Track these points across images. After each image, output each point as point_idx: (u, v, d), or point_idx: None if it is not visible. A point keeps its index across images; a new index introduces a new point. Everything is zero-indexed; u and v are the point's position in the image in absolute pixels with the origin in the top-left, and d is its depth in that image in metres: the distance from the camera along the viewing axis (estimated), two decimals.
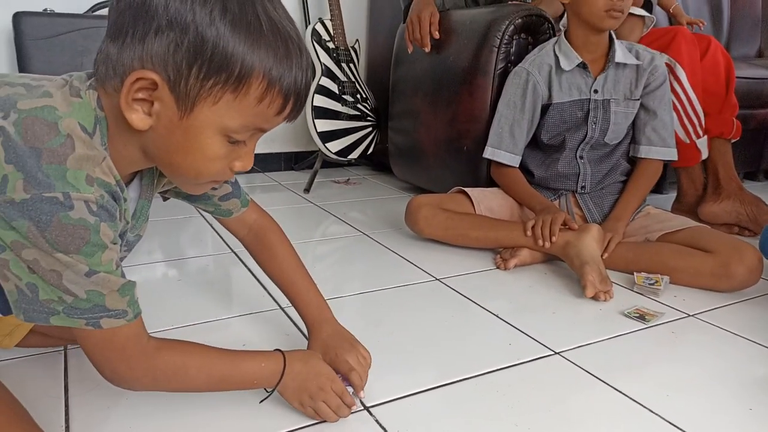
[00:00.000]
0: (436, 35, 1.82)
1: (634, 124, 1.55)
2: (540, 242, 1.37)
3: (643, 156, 1.54)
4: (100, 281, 0.57)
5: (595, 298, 1.22)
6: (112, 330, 0.60)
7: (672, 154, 1.54)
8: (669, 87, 1.53)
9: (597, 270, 1.25)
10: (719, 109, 1.86)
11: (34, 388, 0.82)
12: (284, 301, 1.17)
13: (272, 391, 0.76)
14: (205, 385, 0.71)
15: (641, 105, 1.53)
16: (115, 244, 0.59)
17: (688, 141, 1.80)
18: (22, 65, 1.73)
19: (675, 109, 1.70)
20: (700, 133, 1.80)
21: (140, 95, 0.56)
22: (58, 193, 0.53)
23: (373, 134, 2.35)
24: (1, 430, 0.60)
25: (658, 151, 1.53)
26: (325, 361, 0.82)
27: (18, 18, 1.73)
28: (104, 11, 1.93)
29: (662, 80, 1.50)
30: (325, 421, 0.78)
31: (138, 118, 0.57)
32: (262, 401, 0.78)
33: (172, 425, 0.77)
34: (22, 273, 0.55)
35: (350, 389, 0.82)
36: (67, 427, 0.75)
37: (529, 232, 1.40)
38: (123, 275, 0.60)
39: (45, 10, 1.86)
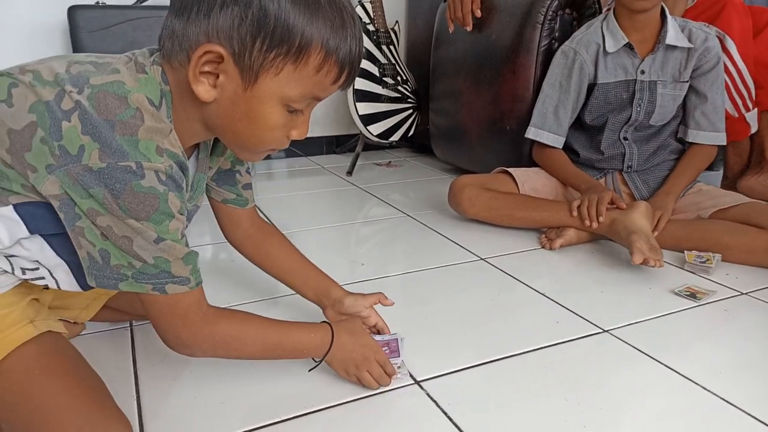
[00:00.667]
0: (478, 13, 1.80)
1: (684, 106, 1.51)
2: (586, 222, 1.36)
3: (690, 140, 1.50)
4: (166, 248, 0.60)
5: (644, 263, 1.19)
6: (175, 296, 0.63)
7: (720, 139, 1.48)
8: (722, 68, 1.47)
9: (645, 238, 1.23)
10: None
11: (104, 361, 0.87)
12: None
13: (320, 360, 0.79)
14: (260, 353, 0.74)
15: (691, 87, 1.48)
16: (181, 214, 0.62)
17: (736, 115, 1.74)
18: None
19: (725, 83, 1.64)
20: (750, 106, 1.73)
21: (206, 68, 0.58)
22: (132, 162, 0.56)
23: (414, 116, 2.35)
24: (79, 400, 0.65)
25: (706, 135, 1.48)
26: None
27: (72, 12, 1.81)
28: (151, 1, 1.99)
29: (715, 62, 1.44)
30: (374, 393, 0.81)
31: (204, 90, 0.59)
32: (311, 370, 0.81)
33: (232, 395, 0.81)
34: (96, 240, 0.59)
35: (397, 361, 0.85)
36: (138, 397, 0.81)
37: (575, 213, 1.39)
38: (187, 244, 0.63)
39: (97, 3, 1.93)
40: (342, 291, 0.93)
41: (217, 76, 0.59)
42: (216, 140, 0.76)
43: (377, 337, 0.90)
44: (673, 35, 1.42)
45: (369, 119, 2.20)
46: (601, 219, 1.34)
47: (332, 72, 0.61)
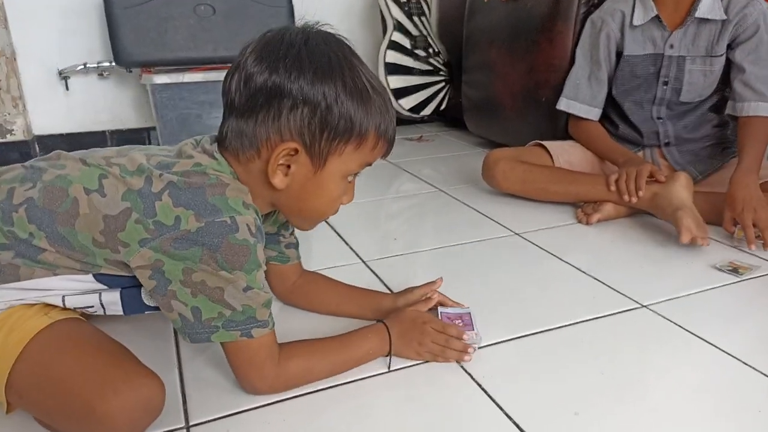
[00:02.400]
0: None
1: (726, 80, 1.42)
2: (625, 197, 1.32)
3: (737, 113, 1.38)
4: (253, 296, 0.67)
5: (692, 242, 1.16)
6: (257, 341, 0.69)
7: (766, 109, 1.34)
8: (766, 36, 1.35)
9: (692, 215, 1.20)
10: None
11: (145, 335, 0.91)
12: (366, 255, 1.21)
13: (390, 356, 0.82)
14: (329, 374, 0.79)
15: (728, 59, 1.39)
16: (264, 264, 0.69)
17: None
18: (113, 32, 1.83)
19: None
20: None
21: (281, 161, 0.67)
22: (226, 217, 0.64)
23: (446, 89, 2.32)
24: (97, 364, 0.65)
25: (750, 106, 1.35)
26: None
27: None
28: None
29: (753, 30, 1.34)
30: (414, 364, 0.82)
31: (279, 180, 0.69)
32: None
33: None
34: (187, 299, 0.65)
35: (470, 334, 0.86)
36: (180, 365, 0.83)
37: (612, 187, 1.35)
38: (267, 291, 0.70)
39: None
40: (391, 298, 0.95)
41: (289, 166, 0.68)
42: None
43: (448, 311, 0.92)
44: (707, 7, 1.34)
45: (400, 93, 2.18)
46: (640, 193, 1.30)
47: (383, 147, 0.72)
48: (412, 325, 0.83)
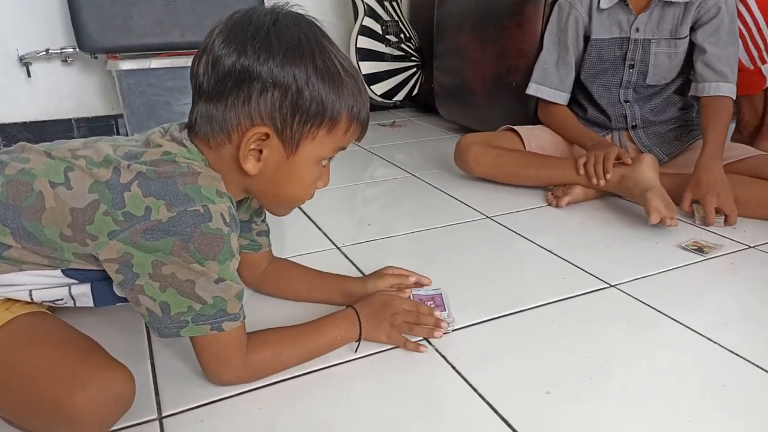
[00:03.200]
0: None
1: (690, 62, 1.45)
2: (594, 180, 1.34)
3: (699, 94, 1.41)
4: (225, 288, 0.66)
5: (660, 223, 1.18)
6: (227, 335, 0.68)
7: (729, 90, 1.38)
8: (727, 17, 1.38)
9: (660, 195, 1.22)
10: None
11: (115, 326, 0.89)
12: (340, 241, 1.21)
13: (359, 340, 0.82)
14: (297, 362, 0.79)
15: (691, 41, 1.42)
16: (238, 253, 0.68)
17: (752, 67, 1.70)
18: (76, 17, 1.77)
19: (740, 34, 1.59)
20: (766, 58, 1.69)
21: (252, 146, 0.66)
22: (199, 206, 0.62)
23: (417, 75, 2.31)
24: (63, 358, 0.64)
25: (711, 86, 1.38)
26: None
27: None
28: None
29: (715, 12, 1.36)
30: (387, 349, 0.82)
31: (251, 165, 0.67)
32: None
33: None
34: (155, 294, 0.64)
35: (443, 315, 0.87)
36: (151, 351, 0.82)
37: (581, 170, 1.37)
38: (239, 282, 0.68)
39: None
40: (361, 282, 0.94)
41: (260, 151, 0.67)
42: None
43: (420, 292, 0.92)
44: None
45: (372, 78, 2.17)
46: (608, 176, 1.32)
47: (357, 130, 0.71)
48: (383, 307, 0.84)
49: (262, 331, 0.77)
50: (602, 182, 1.33)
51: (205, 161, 0.68)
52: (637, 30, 1.42)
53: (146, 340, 0.86)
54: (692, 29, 1.41)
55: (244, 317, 0.71)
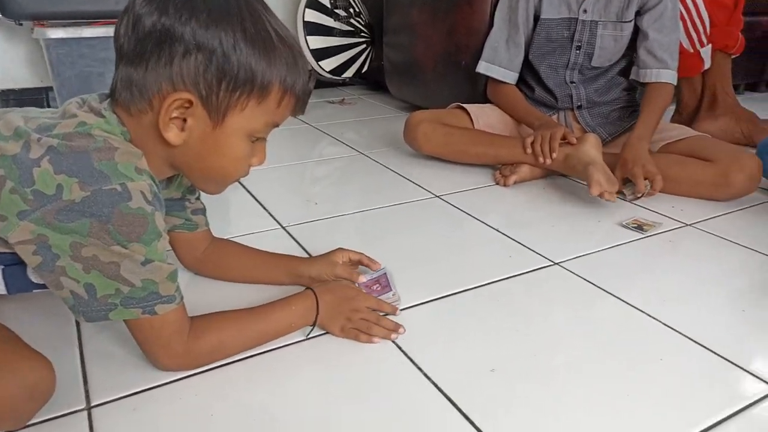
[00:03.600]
0: None
1: (633, 46, 1.48)
2: (540, 159, 1.36)
3: (640, 80, 1.47)
4: (154, 270, 0.61)
5: (600, 196, 1.20)
6: (163, 318, 0.64)
7: (670, 77, 1.43)
8: (671, 3, 1.42)
9: (602, 170, 1.24)
10: (727, 21, 1.79)
11: (37, 312, 0.84)
12: (285, 221, 1.18)
13: (313, 326, 0.79)
14: (246, 347, 0.75)
15: (635, 26, 1.45)
16: (165, 232, 0.63)
17: (691, 50, 1.75)
18: None
19: (681, 17, 1.63)
20: (705, 41, 1.75)
21: (175, 114, 0.61)
22: (116, 184, 0.57)
23: (367, 51, 2.27)
24: None
25: (654, 73, 1.43)
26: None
27: None
28: None
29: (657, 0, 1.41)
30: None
31: (174, 134, 0.62)
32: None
33: None
34: (78, 275, 0.59)
35: (389, 295, 0.86)
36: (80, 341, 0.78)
37: (528, 150, 1.38)
38: (170, 262, 0.64)
39: None
40: (307, 262, 0.92)
41: (184, 120, 0.62)
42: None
43: (365, 277, 0.90)
44: None
45: (321, 54, 2.12)
46: (554, 155, 1.34)
47: (290, 103, 0.66)
48: (345, 301, 0.80)
49: (208, 315, 0.73)
50: (548, 161, 1.35)
51: (126, 133, 0.62)
52: (585, 11, 1.43)
53: (75, 324, 0.81)
54: (637, 13, 1.44)
55: (182, 299, 0.67)
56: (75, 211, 0.56)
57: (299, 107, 0.68)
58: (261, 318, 0.76)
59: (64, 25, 1.71)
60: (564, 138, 1.36)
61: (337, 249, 0.93)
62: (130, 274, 0.60)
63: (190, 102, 0.60)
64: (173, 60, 0.59)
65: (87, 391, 0.68)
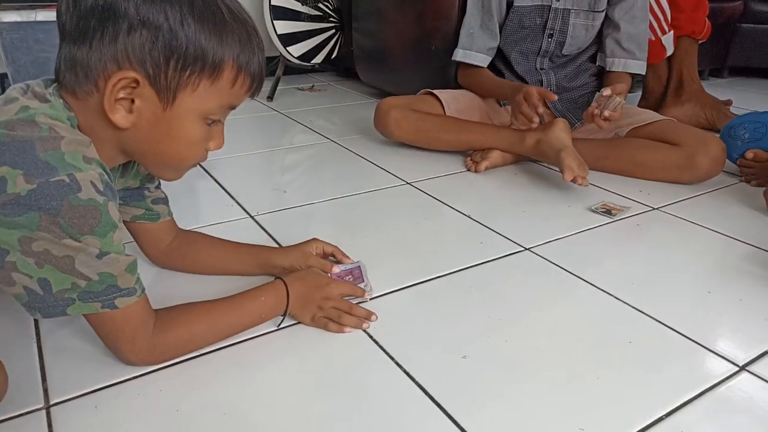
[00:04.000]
0: None
1: (599, 33, 1.50)
2: (533, 120, 1.29)
3: (607, 68, 1.49)
4: (111, 262, 0.59)
5: (573, 181, 1.20)
6: (124, 311, 0.62)
7: (639, 67, 1.47)
8: None
9: (573, 155, 1.25)
10: (695, 6, 1.81)
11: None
12: (254, 210, 1.15)
13: (284, 316, 0.77)
14: (217, 339, 0.73)
15: (606, 15, 1.46)
16: (120, 222, 0.60)
17: (653, 38, 1.76)
18: None
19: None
20: (666, 29, 1.77)
21: (121, 95, 0.58)
22: (63, 176, 0.54)
23: (336, 36, 2.24)
24: None
25: (621, 63, 1.47)
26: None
27: None
28: None
29: None
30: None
31: (121, 116, 0.59)
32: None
33: None
34: (31, 270, 0.56)
35: (361, 286, 0.85)
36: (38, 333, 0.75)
37: (517, 119, 1.33)
38: (126, 253, 0.61)
39: None
40: (278, 252, 0.90)
41: (132, 101, 0.59)
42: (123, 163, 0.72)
43: (338, 267, 0.89)
44: None
45: (289, 39, 2.08)
46: (540, 110, 1.29)
47: (245, 83, 0.63)
48: (316, 290, 0.78)
49: (175, 308, 0.70)
50: (536, 120, 1.29)
51: (73, 119, 0.59)
52: (558, 0, 1.43)
53: (32, 320, 0.78)
54: (609, 3, 1.45)
55: (143, 291, 0.64)
56: (21, 204, 0.53)
57: (255, 87, 0.65)
58: (230, 310, 0.73)
59: (18, 8, 1.64)
60: (542, 96, 1.31)
61: (311, 239, 0.91)
62: (85, 267, 0.57)
63: (137, 81, 0.57)
64: (117, 37, 0.56)
65: (45, 389, 0.66)
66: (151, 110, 0.60)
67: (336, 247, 0.92)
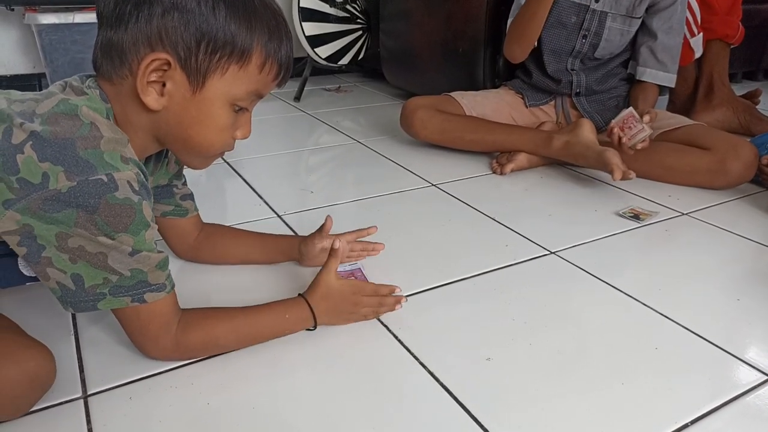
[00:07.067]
0: None
1: (634, 40, 1.48)
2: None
3: (637, 77, 1.48)
4: (142, 260, 0.61)
5: (623, 178, 1.19)
6: (152, 307, 0.64)
7: (669, 80, 1.46)
8: (680, 6, 1.42)
9: (616, 153, 1.24)
10: (728, 10, 1.77)
11: (33, 302, 0.83)
12: (281, 209, 1.18)
13: (314, 329, 0.78)
14: (237, 346, 0.74)
15: (643, 23, 1.45)
16: (153, 221, 0.62)
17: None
18: None
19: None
20: (695, 31, 1.74)
21: (153, 77, 0.59)
22: (102, 174, 0.56)
23: (363, 38, 2.25)
24: None
25: (653, 74, 1.46)
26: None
27: None
28: None
29: (671, 1, 1.40)
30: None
31: (153, 99, 0.60)
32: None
33: None
34: (65, 266, 0.58)
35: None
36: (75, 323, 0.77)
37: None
38: (159, 250, 0.63)
39: None
40: (299, 240, 0.94)
41: (164, 84, 0.60)
42: (155, 159, 0.75)
43: (339, 269, 0.89)
44: None
45: (317, 40, 2.10)
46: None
47: (273, 70, 0.64)
48: (341, 300, 0.78)
49: (200, 311, 0.72)
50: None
51: (110, 111, 0.61)
52: (597, 1, 1.42)
53: (70, 314, 0.81)
54: (647, 11, 1.43)
55: (172, 287, 0.66)
56: (61, 201, 0.55)
57: (282, 75, 0.67)
58: (254, 321, 0.74)
59: (56, 11, 1.69)
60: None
61: (327, 219, 0.94)
62: (118, 264, 0.59)
63: (168, 63, 0.59)
64: (152, 20, 0.57)
65: (83, 380, 0.68)
66: (181, 93, 0.61)
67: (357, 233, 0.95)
